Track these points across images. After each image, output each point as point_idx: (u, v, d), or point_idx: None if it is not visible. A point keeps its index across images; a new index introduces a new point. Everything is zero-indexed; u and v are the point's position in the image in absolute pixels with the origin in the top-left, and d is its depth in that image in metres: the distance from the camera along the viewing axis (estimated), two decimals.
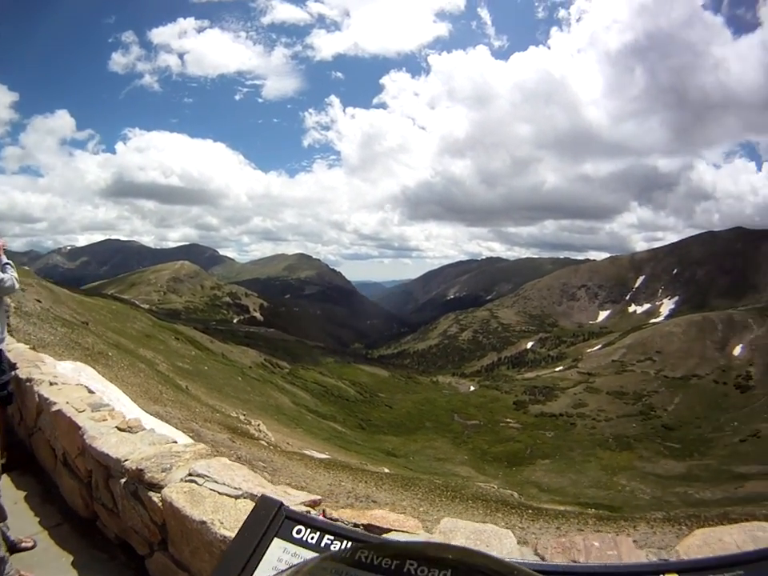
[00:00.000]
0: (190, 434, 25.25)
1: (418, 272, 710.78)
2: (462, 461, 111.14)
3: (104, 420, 5.43)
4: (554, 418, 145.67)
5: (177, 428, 25.68)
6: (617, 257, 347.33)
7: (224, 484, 3.81)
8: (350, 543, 1.91)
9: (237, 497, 3.64)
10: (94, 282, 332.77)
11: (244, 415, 50.82)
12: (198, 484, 3.83)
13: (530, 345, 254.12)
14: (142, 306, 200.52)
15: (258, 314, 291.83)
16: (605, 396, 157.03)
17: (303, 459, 32.47)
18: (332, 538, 1.93)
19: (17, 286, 5.72)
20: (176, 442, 4.94)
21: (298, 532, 1.99)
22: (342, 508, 4.63)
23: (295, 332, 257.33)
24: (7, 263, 5.68)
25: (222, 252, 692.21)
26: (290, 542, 1.96)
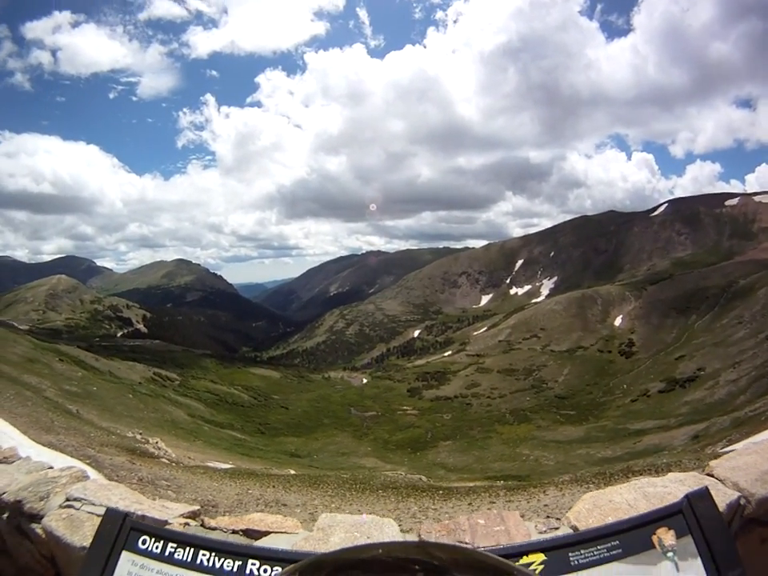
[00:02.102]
0: (87, 461, 24.61)
1: (300, 270, 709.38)
2: (366, 452, 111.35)
3: None
4: (450, 400, 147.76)
5: (72, 456, 24.99)
6: (495, 243, 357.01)
7: (101, 505, 3.71)
8: (193, 550, 1.92)
9: None
10: None
11: (141, 434, 49.76)
12: (75, 509, 3.76)
13: (416, 333, 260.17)
14: (20, 327, 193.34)
15: (141, 326, 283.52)
16: (496, 374, 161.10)
17: (207, 472, 32.13)
18: (175, 545, 1.96)
19: None
20: (52, 468, 4.73)
21: (144, 542, 2.01)
22: (222, 516, 4.67)
23: (181, 341, 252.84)
24: None
25: (99, 262, 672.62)
26: (137, 554, 1.97)
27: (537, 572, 1.75)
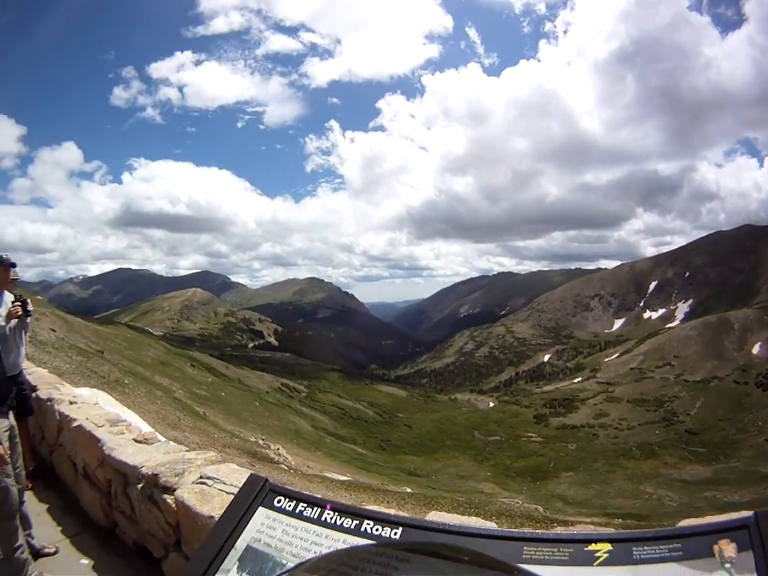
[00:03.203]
0: None
1: (430, 291, 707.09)
2: (485, 477, 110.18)
3: (122, 433, 5.66)
4: (576, 429, 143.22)
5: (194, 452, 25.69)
6: (626, 264, 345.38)
7: (231, 485, 3.99)
8: (320, 509, 2.11)
9: None
10: (107, 311, 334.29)
11: (263, 440, 50.85)
12: (207, 485, 4.04)
13: (546, 357, 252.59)
14: (155, 333, 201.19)
15: (272, 339, 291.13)
16: (625, 404, 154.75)
17: (324, 482, 32.45)
18: (305, 505, 2.15)
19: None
20: (189, 451, 5.15)
21: (279, 501, 2.20)
22: None
23: (310, 355, 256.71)
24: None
25: (233, 278, 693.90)
26: (272, 510, 2.17)
27: (601, 559, 1.81)
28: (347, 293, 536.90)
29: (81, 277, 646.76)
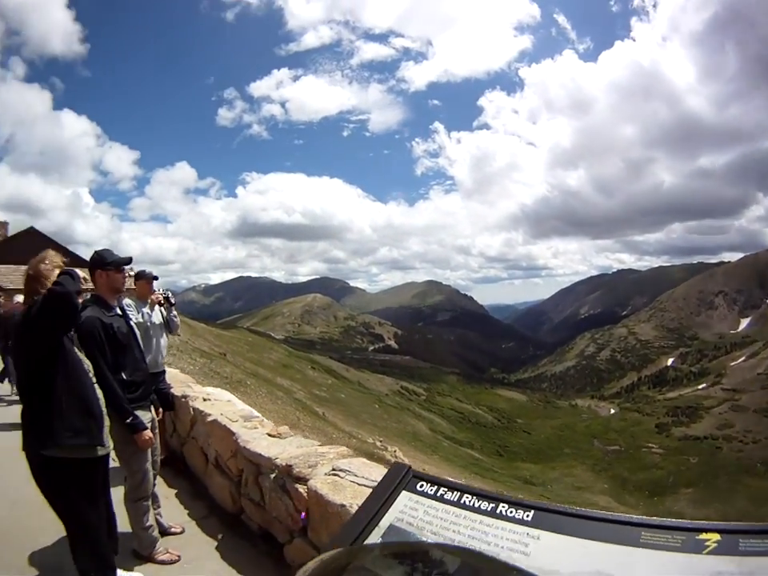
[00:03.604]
0: None
1: (550, 291, 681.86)
2: (602, 489, 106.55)
3: (255, 428, 6.10)
4: (699, 441, 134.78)
5: None
6: (750, 255, 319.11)
7: (363, 477, 4.24)
8: (459, 493, 2.19)
9: (372, 487, 3.93)
10: (228, 317, 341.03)
11: (380, 441, 50.90)
12: (339, 477, 4.29)
13: (670, 361, 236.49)
14: (277, 337, 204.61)
15: (392, 342, 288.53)
16: (752, 414, 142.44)
17: None
18: (446, 489, 2.23)
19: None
20: (321, 446, 5.47)
21: (421, 486, 2.30)
22: None
23: (430, 358, 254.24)
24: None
25: (352, 283, 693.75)
26: (414, 493, 2.28)
27: (710, 548, 1.75)
28: (466, 295, 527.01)
29: (203, 285, 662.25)
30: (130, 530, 5.01)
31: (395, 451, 45.09)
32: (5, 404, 13.67)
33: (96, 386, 3.98)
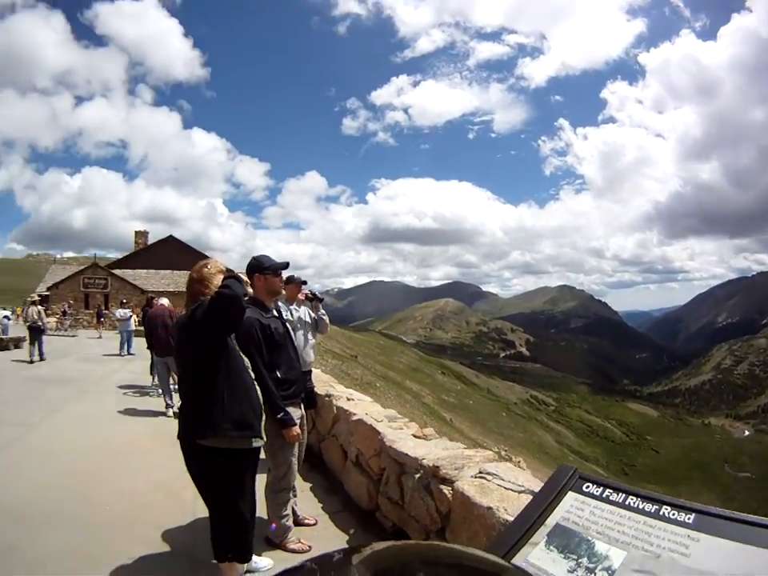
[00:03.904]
0: None
1: (687, 296, 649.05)
2: None
3: (400, 429, 6.29)
4: None
5: None
6: None
7: (509, 481, 4.22)
8: (624, 495, 2.32)
9: (519, 492, 4.01)
10: (361, 320, 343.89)
11: (505, 451, 50.34)
12: (486, 480, 4.30)
13: None
14: (408, 341, 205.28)
15: (524, 349, 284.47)
16: None
17: None
18: (611, 491, 2.37)
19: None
20: (467, 448, 5.48)
21: (587, 487, 2.45)
22: None
23: (561, 367, 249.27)
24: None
25: (484, 288, 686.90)
26: (580, 494, 2.42)
27: None
28: (600, 301, 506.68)
29: (336, 289, 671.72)
30: (265, 518, 5.32)
31: (519, 462, 44.61)
32: (155, 395, 14.76)
33: (255, 382, 4.29)
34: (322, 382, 9.54)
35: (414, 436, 5.93)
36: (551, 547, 2.21)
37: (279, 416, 4.88)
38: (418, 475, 5.04)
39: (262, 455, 4.67)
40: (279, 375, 5.11)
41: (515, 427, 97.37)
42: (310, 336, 7.16)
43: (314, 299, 7.54)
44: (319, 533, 5.72)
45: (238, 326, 4.23)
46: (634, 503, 2.25)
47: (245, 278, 4.24)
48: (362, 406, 7.52)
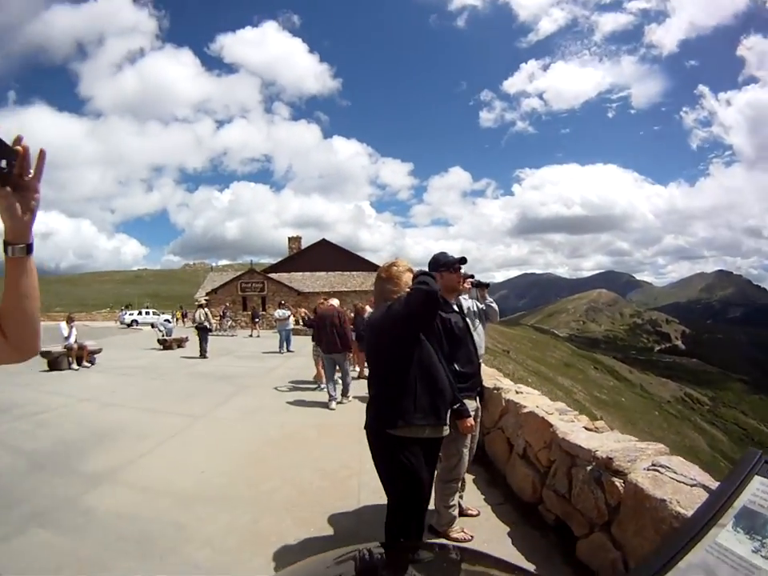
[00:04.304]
0: None
1: None
2: None
3: (572, 421, 6.21)
4: None
5: None
6: None
7: (682, 474, 4.13)
8: None
9: (692, 485, 3.92)
10: (513, 314, 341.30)
11: None
12: (659, 473, 4.23)
13: None
14: (560, 334, 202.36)
15: (679, 342, 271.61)
16: None
17: None
18: None
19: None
20: (639, 441, 5.36)
21: None
22: None
23: (718, 362, 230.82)
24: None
25: (638, 276, 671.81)
26: (766, 478, 2.39)
27: None
28: (759, 286, 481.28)
29: (488, 284, 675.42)
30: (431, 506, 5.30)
31: None
32: (316, 389, 15.54)
33: (444, 374, 4.41)
34: (488, 375, 9.41)
35: (586, 428, 5.87)
36: (738, 529, 2.23)
37: (456, 406, 4.89)
38: (589, 467, 5.00)
39: None
40: (457, 368, 5.20)
41: (668, 428, 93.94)
42: (478, 327, 7.02)
43: (479, 286, 7.49)
44: (481, 523, 5.80)
45: (433, 319, 4.39)
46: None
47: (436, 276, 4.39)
48: (531, 399, 7.45)
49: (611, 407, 73.49)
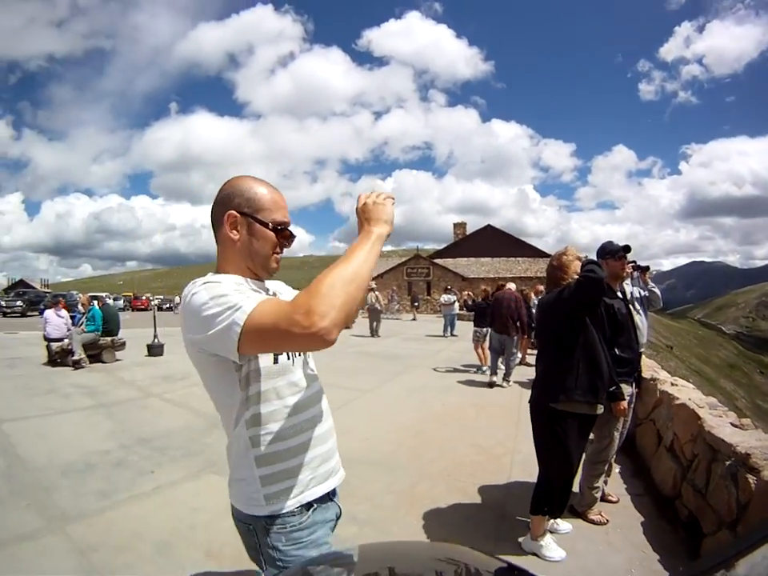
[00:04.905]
0: None
1: None
2: None
3: (720, 416, 6.14)
4: None
5: None
6: None
7: None
8: None
9: None
10: (680, 306, 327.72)
11: None
12: None
13: None
14: (727, 331, 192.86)
15: None
16: None
17: None
18: None
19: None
20: None
21: None
22: None
23: None
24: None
25: None
26: None
27: None
28: None
29: (654, 272, 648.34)
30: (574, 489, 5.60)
31: None
32: (478, 371, 15.91)
33: (604, 357, 4.87)
34: (646, 366, 9.60)
35: (732, 424, 5.84)
36: None
37: (611, 389, 5.21)
38: (728, 462, 4.99)
39: None
40: (617, 353, 5.54)
41: None
42: (639, 313, 7.19)
43: (639, 269, 7.66)
44: (618, 511, 6.05)
45: (598, 304, 4.85)
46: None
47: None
48: (685, 392, 7.52)
49: None
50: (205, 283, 1.85)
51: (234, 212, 2.02)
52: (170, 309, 63.28)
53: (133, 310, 60.23)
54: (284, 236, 2.12)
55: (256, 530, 2.04)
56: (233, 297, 1.75)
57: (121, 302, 59.07)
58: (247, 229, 2.04)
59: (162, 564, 4.39)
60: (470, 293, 19.12)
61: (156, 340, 18.48)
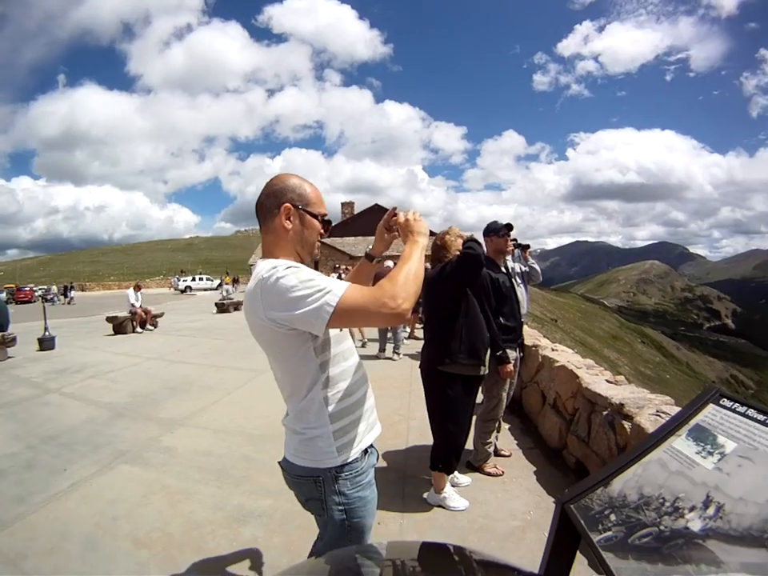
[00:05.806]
0: None
1: None
2: None
3: (596, 375, 6.94)
4: None
5: None
6: None
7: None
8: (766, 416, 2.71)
9: None
10: (563, 282, 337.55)
11: None
12: (660, 417, 4.89)
13: None
14: (609, 305, 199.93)
15: (729, 321, 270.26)
16: None
17: None
18: (755, 411, 2.68)
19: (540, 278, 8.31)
20: (647, 392, 5.99)
21: (731, 404, 2.86)
22: None
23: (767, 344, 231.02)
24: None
25: (692, 249, 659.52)
26: (720, 407, 2.87)
27: None
28: None
29: (539, 250, 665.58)
30: (469, 446, 6.27)
31: None
32: (359, 345, 16.31)
33: (485, 324, 5.34)
34: (528, 335, 10.40)
35: (607, 381, 6.59)
36: (689, 438, 2.73)
37: (498, 353, 5.77)
38: (605, 412, 5.72)
39: None
40: (502, 321, 6.07)
41: None
42: (519, 287, 7.72)
43: (519, 247, 8.13)
44: (512, 463, 6.62)
45: (477, 278, 5.29)
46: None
47: (480, 240, 5.29)
48: (564, 355, 8.23)
49: (655, 383, 72.87)
50: (288, 267, 2.15)
51: (289, 204, 2.42)
52: (52, 300, 59.73)
53: (16, 303, 57.78)
54: (326, 226, 2.60)
55: (324, 480, 2.34)
56: (319, 281, 2.09)
57: (4, 295, 56.54)
58: (299, 220, 2.47)
59: (93, 560, 4.45)
60: (346, 266, 19.53)
61: (47, 333, 17.95)
